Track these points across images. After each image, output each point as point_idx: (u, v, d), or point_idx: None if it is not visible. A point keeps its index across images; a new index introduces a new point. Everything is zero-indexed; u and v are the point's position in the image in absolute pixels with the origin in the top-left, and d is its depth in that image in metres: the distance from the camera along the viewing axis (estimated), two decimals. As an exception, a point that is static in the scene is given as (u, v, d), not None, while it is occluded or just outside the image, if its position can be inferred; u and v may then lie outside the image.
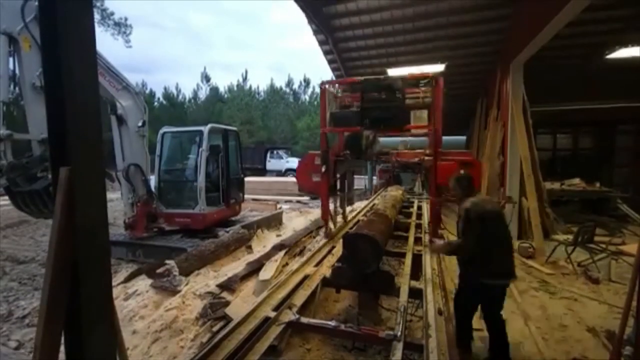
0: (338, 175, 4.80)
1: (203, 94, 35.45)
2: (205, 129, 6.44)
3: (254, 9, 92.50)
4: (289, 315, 2.47)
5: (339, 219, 5.33)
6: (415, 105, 4.75)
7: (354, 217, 5.89)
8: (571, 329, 3.28)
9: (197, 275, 4.46)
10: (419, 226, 5.35)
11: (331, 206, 4.84)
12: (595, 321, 3.36)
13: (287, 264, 4.61)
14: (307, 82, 36.47)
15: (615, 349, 2.21)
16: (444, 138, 4.33)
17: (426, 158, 4.44)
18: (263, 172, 22.25)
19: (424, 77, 4.41)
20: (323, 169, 4.37)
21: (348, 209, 5.77)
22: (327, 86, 4.55)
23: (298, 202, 11.70)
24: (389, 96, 4.02)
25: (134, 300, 3.91)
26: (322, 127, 4.45)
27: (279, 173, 21.84)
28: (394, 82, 4.13)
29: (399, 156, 5.11)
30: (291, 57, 72.34)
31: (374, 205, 6.54)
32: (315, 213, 7.63)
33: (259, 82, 55.90)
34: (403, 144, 6.57)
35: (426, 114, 4.80)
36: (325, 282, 3.20)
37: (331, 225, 4.81)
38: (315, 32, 7.48)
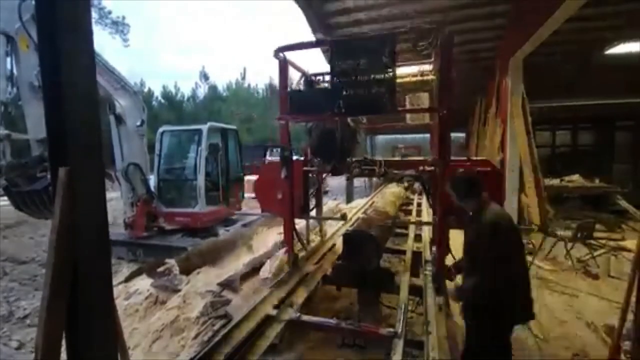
0: (311, 191, 3.72)
1: (202, 93, 35.41)
2: (205, 127, 6.43)
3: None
4: (290, 313, 2.47)
5: (315, 236, 4.46)
6: (413, 87, 3.72)
7: (353, 215, 5.89)
8: (570, 324, 3.30)
9: (198, 274, 4.46)
10: (419, 223, 5.36)
11: (302, 222, 3.90)
12: (594, 316, 3.37)
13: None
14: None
15: (615, 344, 2.22)
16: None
17: (427, 168, 3.05)
18: (263, 170, 22.22)
19: (425, 31, 2.91)
20: (283, 174, 3.25)
21: (347, 206, 5.70)
22: (285, 55, 3.18)
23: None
24: (373, 64, 2.67)
25: (135, 299, 3.92)
26: (281, 113, 3.18)
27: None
28: (379, 42, 2.68)
29: (389, 166, 3.37)
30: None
31: (373, 202, 6.54)
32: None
33: (258, 80, 55.72)
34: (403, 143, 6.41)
35: (427, 98, 3.77)
36: (325, 279, 3.21)
37: (300, 249, 3.77)
38: (314, 31, 7.45)
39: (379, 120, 5.10)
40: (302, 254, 3.65)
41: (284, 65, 3.22)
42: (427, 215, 5.78)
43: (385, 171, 3.20)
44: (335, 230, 4.90)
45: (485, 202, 2.04)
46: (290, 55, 3.28)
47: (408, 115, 4.43)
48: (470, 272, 2.02)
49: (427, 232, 4.48)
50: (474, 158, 3.83)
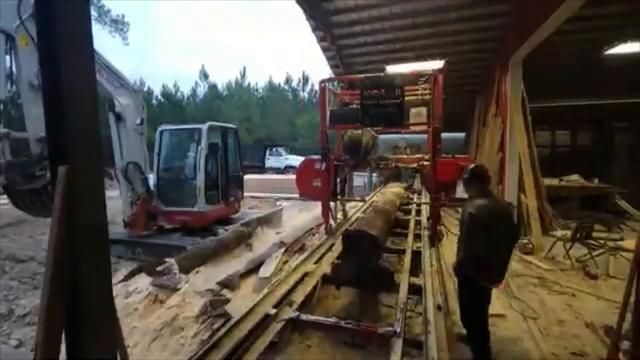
0: (339, 180, 4.89)
1: (202, 92, 35.28)
2: (204, 126, 6.41)
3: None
4: (289, 312, 2.48)
5: (339, 215, 5.40)
6: (415, 103, 4.79)
7: (354, 214, 5.90)
8: (569, 324, 3.30)
9: (197, 273, 4.46)
10: (418, 223, 5.36)
11: (332, 203, 4.87)
12: (593, 316, 3.38)
13: (286, 261, 4.63)
14: (306, 79, 36.33)
15: (613, 344, 2.23)
16: (443, 135, 4.31)
17: (425, 163, 4.51)
18: (262, 169, 22.24)
19: (423, 74, 4.49)
20: (322, 167, 4.42)
21: (348, 205, 5.82)
22: (326, 84, 4.57)
23: (300, 199, 11.68)
24: (389, 93, 4.01)
25: (134, 298, 3.92)
26: (322, 125, 4.52)
27: (279, 170, 21.82)
28: (393, 79, 4.12)
29: (398, 161, 5.28)
30: (288, 52, 72.07)
31: (373, 202, 6.54)
32: (315, 211, 7.63)
33: (258, 79, 55.57)
34: (404, 142, 6.71)
35: (425, 111, 4.79)
36: (325, 279, 3.21)
37: (332, 222, 4.83)
38: (314, 29, 7.44)
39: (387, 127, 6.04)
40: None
41: (323, 91, 4.54)
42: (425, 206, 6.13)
43: (395, 165, 5.10)
44: (353, 213, 5.87)
45: (480, 193, 2.54)
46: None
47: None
48: (460, 239, 2.61)
49: (425, 212, 5.60)
50: (458, 156, 5.21)
